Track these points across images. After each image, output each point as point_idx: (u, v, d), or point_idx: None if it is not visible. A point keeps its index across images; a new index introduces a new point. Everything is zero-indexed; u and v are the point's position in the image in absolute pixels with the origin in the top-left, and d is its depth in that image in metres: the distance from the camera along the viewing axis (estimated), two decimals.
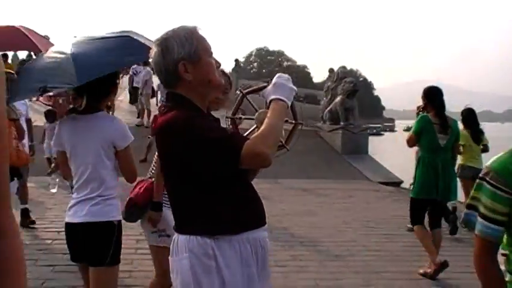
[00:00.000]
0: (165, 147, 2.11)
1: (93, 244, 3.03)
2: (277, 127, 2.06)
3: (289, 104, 2.16)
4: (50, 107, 9.18)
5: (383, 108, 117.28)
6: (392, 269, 5.82)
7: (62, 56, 3.23)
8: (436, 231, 5.67)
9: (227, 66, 24.41)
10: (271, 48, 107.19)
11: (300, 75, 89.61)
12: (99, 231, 3.03)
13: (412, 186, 5.82)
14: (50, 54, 3.47)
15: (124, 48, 3.20)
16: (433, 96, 5.57)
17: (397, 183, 12.84)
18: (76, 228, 3.08)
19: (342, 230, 7.60)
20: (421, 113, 5.79)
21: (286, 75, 2.23)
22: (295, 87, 2.18)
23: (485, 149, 7.89)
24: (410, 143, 5.65)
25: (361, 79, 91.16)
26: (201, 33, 2.17)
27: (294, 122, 2.40)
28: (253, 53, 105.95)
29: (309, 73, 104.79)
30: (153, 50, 2.15)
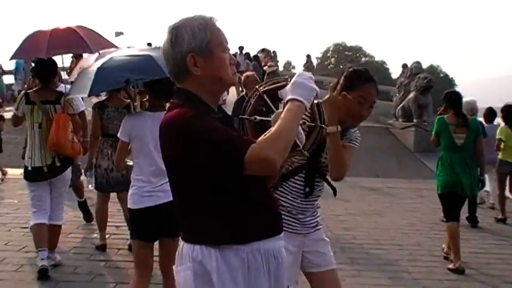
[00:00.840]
0: (166, 148, 1.94)
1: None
2: (288, 130, 1.83)
3: (308, 105, 1.92)
4: None
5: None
6: (454, 276, 5.46)
7: (142, 56, 4.24)
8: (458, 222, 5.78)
9: (300, 62, 24.22)
10: (348, 44, 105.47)
11: (378, 71, 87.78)
12: None
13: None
14: (126, 55, 4.45)
15: None
16: (450, 98, 5.99)
17: None
18: (159, 209, 3.61)
19: (407, 233, 7.26)
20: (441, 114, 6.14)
21: (309, 74, 2.00)
22: (316, 88, 1.93)
23: None
24: (434, 143, 6.09)
25: (442, 75, 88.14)
26: (218, 25, 1.98)
27: (312, 124, 2.18)
28: (331, 49, 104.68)
29: (387, 69, 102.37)
30: (163, 38, 1.99)
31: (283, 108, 1.96)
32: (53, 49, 5.18)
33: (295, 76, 1.98)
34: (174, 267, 2.02)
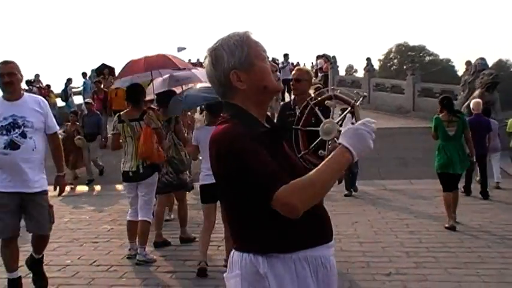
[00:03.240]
0: (212, 160, 2.00)
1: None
2: (324, 183, 1.83)
3: (356, 159, 1.89)
4: None
5: None
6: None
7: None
8: (454, 192, 7.69)
9: (362, 66, 23.94)
10: (411, 44, 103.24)
11: (444, 69, 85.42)
12: None
13: None
14: (199, 87, 7.08)
15: None
16: (443, 102, 7.93)
17: None
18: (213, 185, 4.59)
19: (476, 235, 7.03)
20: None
21: (373, 125, 1.94)
22: (372, 145, 1.91)
23: None
24: (433, 137, 7.98)
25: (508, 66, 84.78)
26: (252, 37, 2.03)
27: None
28: (393, 50, 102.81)
29: (453, 66, 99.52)
30: (205, 61, 2.06)
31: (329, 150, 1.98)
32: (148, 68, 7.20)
33: (361, 121, 1.95)
34: (224, 274, 2.07)
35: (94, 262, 6.17)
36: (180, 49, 25.14)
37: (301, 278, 1.93)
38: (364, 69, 23.38)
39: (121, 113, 6.38)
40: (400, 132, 14.86)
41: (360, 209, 8.71)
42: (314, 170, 1.84)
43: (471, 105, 9.99)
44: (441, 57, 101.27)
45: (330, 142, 2.10)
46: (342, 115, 2.10)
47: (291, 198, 1.76)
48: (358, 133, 1.89)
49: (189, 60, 27.45)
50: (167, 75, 7.20)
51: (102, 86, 17.11)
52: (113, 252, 6.57)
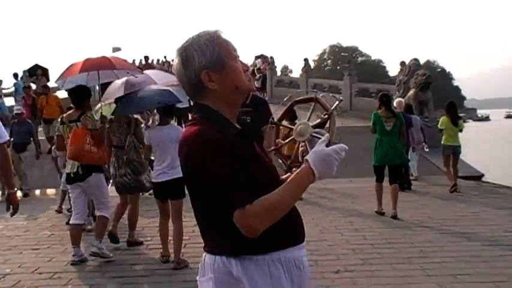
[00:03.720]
0: (182, 161, 1.96)
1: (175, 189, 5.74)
2: (287, 206, 1.85)
3: (316, 180, 1.90)
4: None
5: (464, 98, 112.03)
6: (470, 271, 5.46)
7: (167, 88, 6.70)
8: (393, 186, 8.33)
9: (297, 66, 24.23)
10: (344, 45, 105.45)
11: (376, 70, 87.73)
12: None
13: None
14: (153, 89, 6.87)
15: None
16: (382, 99, 8.55)
17: (478, 177, 12.19)
18: (165, 183, 5.83)
19: (417, 231, 7.26)
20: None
21: (343, 153, 1.93)
22: (334, 172, 1.91)
23: (461, 131, 10.85)
24: (371, 131, 8.57)
25: (439, 70, 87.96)
26: (223, 36, 2.00)
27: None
28: (327, 51, 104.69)
29: (384, 67, 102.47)
30: (175, 61, 2.01)
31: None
32: (86, 69, 7.03)
33: (335, 147, 1.92)
34: (197, 278, 2.03)
35: (36, 270, 5.95)
36: (115, 49, 24.78)
37: (275, 279, 1.92)
38: (302, 69, 23.70)
39: (64, 114, 6.59)
40: (337, 132, 15.10)
41: (303, 208, 8.70)
42: (278, 191, 1.84)
43: (394, 104, 10.46)
44: (373, 58, 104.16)
45: (301, 144, 2.11)
46: (317, 121, 2.11)
47: (253, 221, 1.78)
48: (328, 160, 1.89)
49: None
50: (124, 79, 7.16)
51: (31, 92, 16.24)
52: (56, 259, 6.35)
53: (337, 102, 2.22)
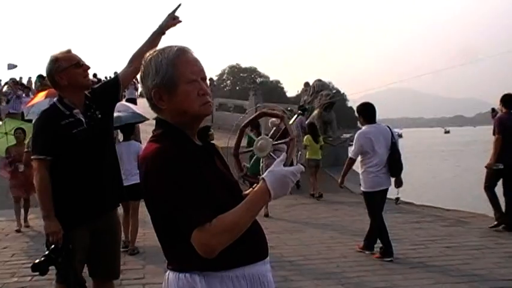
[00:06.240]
0: (142, 180, 1.93)
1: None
2: (243, 226, 1.84)
3: (270, 200, 1.90)
4: None
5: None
6: (384, 284, 5.67)
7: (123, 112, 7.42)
8: None
9: None
10: (243, 65, 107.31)
11: (274, 90, 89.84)
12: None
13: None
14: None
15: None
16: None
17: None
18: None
19: (331, 246, 7.45)
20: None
21: (299, 175, 1.94)
22: (288, 193, 1.92)
23: (321, 147, 12.67)
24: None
25: (334, 91, 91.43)
26: (185, 56, 1.95)
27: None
28: (226, 71, 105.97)
29: (282, 88, 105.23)
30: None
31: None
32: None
33: (292, 169, 1.91)
34: None
35: None
36: (10, 66, 23.58)
37: None
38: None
39: None
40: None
41: None
42: (236, 210, 1.83)
43: None
44: (271, 78, 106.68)
45: (263, 159, 2.12)
46: (273, 131, 2.13)
47: (211, 240, 1.77)
48: (285, 181, 1.89)
49: (21, 78, 25.74)
50: None
51: None
52: None
53: (296, 129, 2.27)
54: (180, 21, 3.81)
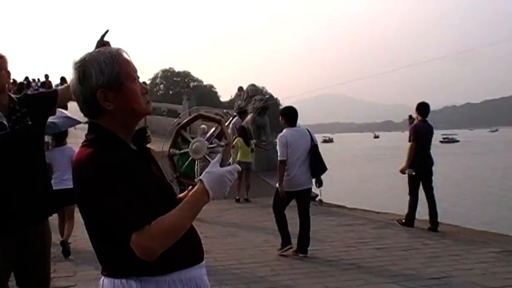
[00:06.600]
0: (75, 186, 1.88)
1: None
2: (183, 228, 1.82)
3: (209, 201, 1.89)
4: None
5: None
6: (317, 286, 5.75)
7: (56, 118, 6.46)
8: None
9: None
10: (177, 69, 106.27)
11: (207, 95, 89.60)
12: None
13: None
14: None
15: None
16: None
17: (312, 198, 12.91)
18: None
19: (265, 250, 7.50)
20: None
21: (236, 173, 1.95)
22: (227, 192, 1.92)
23: (252, 150, 12.79)
24: None
25: (267, 95, 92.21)
26: (125, 56, 1.93)
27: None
28: (159, 75, 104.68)
29: (216, 92, 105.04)
30: (71, 76, 1.91)
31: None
32: None
33: (229, 169, 1.92)
34: None
35: None
36: None
37: None
38: None
39: None
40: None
41: None
42: (175, 212, 1.81)
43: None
44: (205, 83, 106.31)
45: (198, 162, 2.11)
46: (210, 133, 2.13)
47: (150, 243, 1.74)
48: (223, 180, 1.89)
49: None
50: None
51: None
52: None
53: (228, 115, 2.29)
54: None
